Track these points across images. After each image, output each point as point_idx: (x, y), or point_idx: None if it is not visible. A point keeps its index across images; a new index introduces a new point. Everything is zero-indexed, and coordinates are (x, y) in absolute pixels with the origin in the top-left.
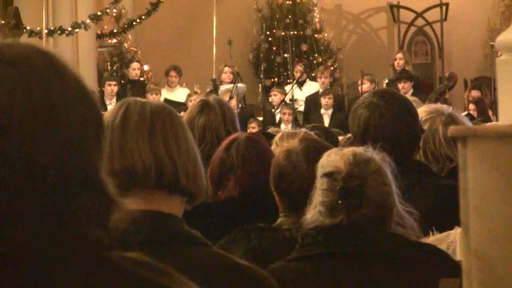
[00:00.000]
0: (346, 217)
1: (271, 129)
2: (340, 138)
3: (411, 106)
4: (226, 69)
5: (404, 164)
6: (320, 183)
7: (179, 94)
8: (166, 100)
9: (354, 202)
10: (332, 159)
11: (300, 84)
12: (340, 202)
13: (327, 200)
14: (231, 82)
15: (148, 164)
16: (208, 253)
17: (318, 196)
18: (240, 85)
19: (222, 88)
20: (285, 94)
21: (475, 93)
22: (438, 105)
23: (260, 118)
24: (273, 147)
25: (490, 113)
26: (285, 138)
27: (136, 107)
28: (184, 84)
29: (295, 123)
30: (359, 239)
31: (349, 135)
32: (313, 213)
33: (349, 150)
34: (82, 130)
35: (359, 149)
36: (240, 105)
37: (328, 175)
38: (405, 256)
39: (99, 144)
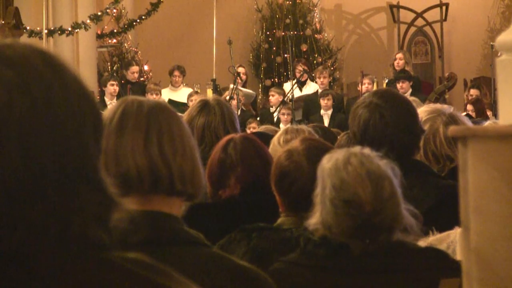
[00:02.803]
0: (360, 245)
1: (263, 127)
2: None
3: (411, 106)
4: (240, 69)
5: (404, 164)
6: (335, 206)
7: (183, 93)
8: (170, 101)
9: (373, 235)
10: (347, 181)
11: (301, 84)
12: (359, 232)
13: (342, 224)
14: (244, 83)
15: (142, 169)
16: (207, 254)
17: (331, 215)
18: (249, 91)
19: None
20: (283, 94)
21: (474, 92)
22: (439, 105)
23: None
24: (275, 143)
25: (490, 113)
26: (289, 133)
27: (133, 108)
28: (185, 84)
29: (294, 123)
30: (361, 255)
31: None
32: (319, 223)
33: (360, 167)
34: (81, 130)
35: (369, 163)
36: (241, 108)
37: (347, 202)
38: (407, 266)
39: (98, 143)
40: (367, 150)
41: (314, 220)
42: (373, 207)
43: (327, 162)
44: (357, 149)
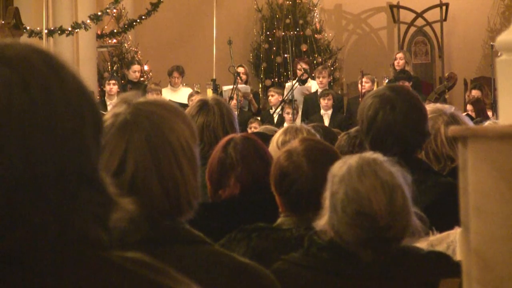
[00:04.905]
0: (370, 255)
1: (263, 127)
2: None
3: (423, 107)
4: (240, 69)
5: (405, 161)
6: (347, 214)
7: (183, 94)
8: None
9: (384, 247)
10: (361, 191)
11: (302, 82)
12: (370, 243)
13: (354, 234)
14: (245, 83)
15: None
16: (208, 252)
17: (343, 224)
18: (242, 86)
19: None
20: (283, 94)
21: (475, 93)
22: (440, 105)
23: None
24: (273, 144)
25: (490, 113)
26: (287, 134)
27: (107, 124)
28: (184, 84)
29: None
30: (365, 263)
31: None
32: (328, 226)
33: (374, 178)
34: (81, 130)
35: (383, 173)
36: (240, 108)
37: (360, 214)
38: (410, 273)
39: (98, 143)
40: (379, 156)
41: (322, 222)
42: (386, 221)
43: (339, 168)
44: (369, 154)
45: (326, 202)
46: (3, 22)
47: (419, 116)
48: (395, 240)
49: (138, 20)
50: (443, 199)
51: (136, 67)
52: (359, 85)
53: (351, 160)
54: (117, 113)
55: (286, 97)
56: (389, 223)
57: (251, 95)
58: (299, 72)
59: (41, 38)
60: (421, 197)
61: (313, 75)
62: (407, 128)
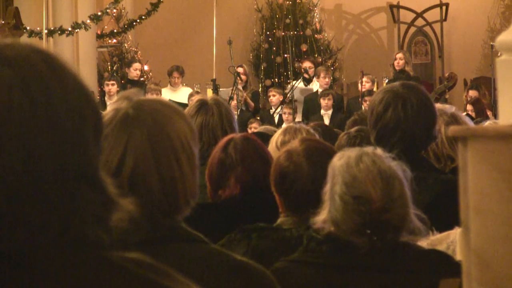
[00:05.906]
0: (366, 242)
1: (263, 127)
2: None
3: (434, 109)
4: (239, 69)
5: (408, 157)
6: (344, 202)
7: (183, 94)
8: (170, 101)
9: (381, 233)
10: (358, 178)
11: (307, 82)
12: (368, 231)
13: (350, 221)
14: (245, 83)
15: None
16: (207, 250)
17: (340, 211)
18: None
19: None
20: (284, 94)
21: (472, 93)
22: (441, 105)
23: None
24: (273, 144)
25: (489, 113)
26: (287, 134)
27: (107, 121)
28: (184, 84)
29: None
30: (366, 253)
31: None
32: (327, 219)
33: (371, 165)
34: (81, 129)
35: (381, 162)
36: (240, 108)
37: (357, 198)
38: (409, 267)
39: (98, 143)
40: (379, 151)
41: (322, 216)
42: (382, 204)
43: (339, 159)
44: (369, 149)
45: (326, 195)
46: (3, 22)
47: (429, 118)
48: (392, 229)
49: (138, 20)
50: (443, 197)
51: (137, 65)
52: (359, 85)
53: (351, 152)
54: (118, 108)
55: (287, 97)
56: (385, 207)
57: (245, 94)
58: (303, 71)
59: (41, 38)
60: (421, 195)
61: (311, 74)
62: (415, 127)
